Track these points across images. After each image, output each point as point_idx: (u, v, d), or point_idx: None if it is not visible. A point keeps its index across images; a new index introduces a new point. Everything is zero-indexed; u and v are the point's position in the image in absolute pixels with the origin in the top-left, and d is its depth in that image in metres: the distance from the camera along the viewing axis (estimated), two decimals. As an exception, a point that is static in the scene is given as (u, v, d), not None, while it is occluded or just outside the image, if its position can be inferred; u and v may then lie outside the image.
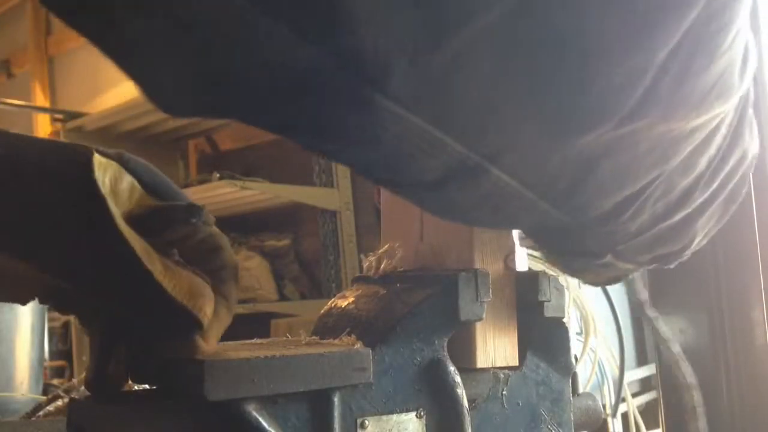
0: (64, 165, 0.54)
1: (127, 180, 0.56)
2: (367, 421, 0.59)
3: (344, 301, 0.69)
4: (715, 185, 0.65)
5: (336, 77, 0.41)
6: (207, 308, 0.55)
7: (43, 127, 4.19)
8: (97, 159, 0.54)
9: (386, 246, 0.72)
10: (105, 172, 0.54)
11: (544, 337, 0.71)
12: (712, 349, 0.98)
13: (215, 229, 0.60)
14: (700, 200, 0.64)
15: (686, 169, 0.60)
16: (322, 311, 0.70)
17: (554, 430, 0.70)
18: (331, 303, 0.71)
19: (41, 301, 0.60)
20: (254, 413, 0.54)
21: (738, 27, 0.54)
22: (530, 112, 0.48)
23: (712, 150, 0.62)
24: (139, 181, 0.57)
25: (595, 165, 0.54)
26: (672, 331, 1.02)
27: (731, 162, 0.65)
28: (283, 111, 0.44)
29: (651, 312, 1.13)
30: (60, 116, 3.87)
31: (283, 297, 3.14)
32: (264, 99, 0.43)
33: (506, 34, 0.43)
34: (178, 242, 0.58)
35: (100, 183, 0.53)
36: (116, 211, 0.54)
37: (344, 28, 0.39)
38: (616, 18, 0.46)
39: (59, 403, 1.24)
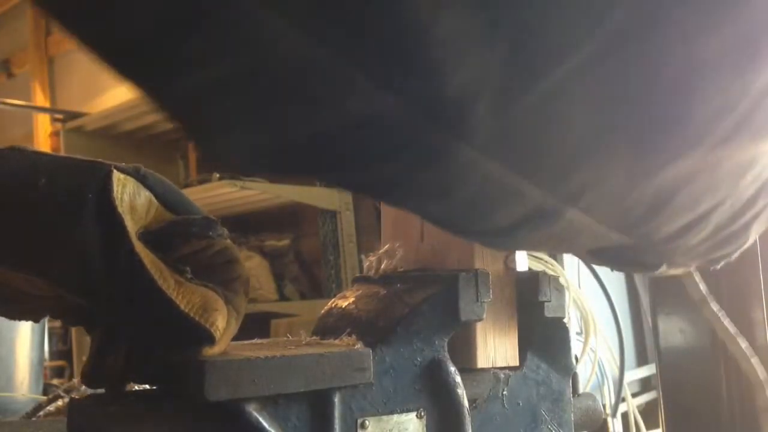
0: (82, 182, 0.54)
1: (145, 195, 0.57)
2: (367, 422, 0.59)
3: (344, 301, 0.69)
4: None
5: (416, 127, 0.38)
6: (219, 322, 0.56)
7: (43, 127, 4.19)
8: (116, 176, 0.54)
9: (386, 246, 0.72)
10: (124, 188, 0.55)
11: (544, 337, 0.71)
12: (712, 349, 0.98)
13: (229, 242, 0.61)
14: (762, 204, 0.63)
15: (755, 181, 0.59)
16: (323, 311, 0.70)
17: (554, 430, 0.70)
18: (331, 303, 0.71)
19: (54, 317, 0.60)
20: (254, 413, 0.54)
21: None
22: (618, 150, 0.46)
23: None
24: (156, 195, 0.58)
25: (675, 193, 0.52)
26: (672, 331, 1.02)
27: None
28: (362, 169, 0.42)
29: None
30: (60, 116, 3.86)
31: (283, 297, 3.14)
32: (342, 156, 0.40)
33: (598, 72, 0.40)
34: (193, 255, 0.59)
35: (118, 200, 0.54)
36: (132, 229, 0.54)
37: (423, 73, 0.36)
38: (718, 44, 0.43)
39: (59, 403, 1.24)
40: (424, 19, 0.33)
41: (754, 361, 0.91)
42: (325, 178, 0.44)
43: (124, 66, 0.34)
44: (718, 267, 0.71)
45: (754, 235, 0.68)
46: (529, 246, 0.56)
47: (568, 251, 0.67)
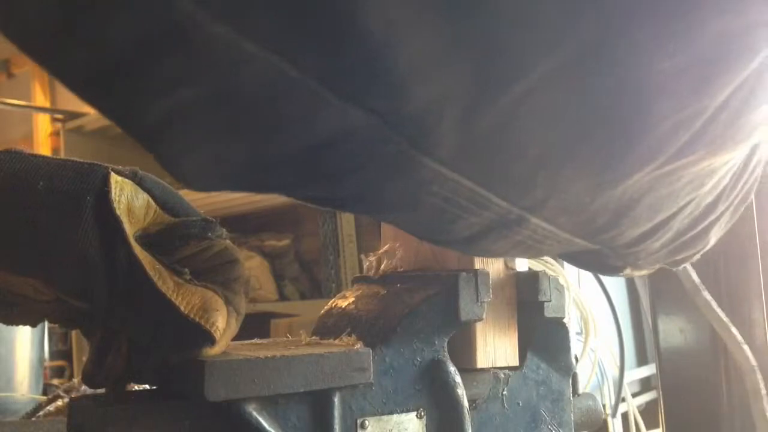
0: (80, 184, 0.54)
1: (143, 197, 0.57)
2: (367, 422, 0.59)
3: (344, 301, 0.69)
4: (734, 193, 0.65)
5: (383, 142, 0.39)
6: (219, 323, 0.56)
7: (43, 127, 4.19)
8: (114, 178, 0.54)
9: (386, 246, 0.72)
10: (121, 191, 0.55)
11: (544, 337, 0.71)
12: (712, 349, 0.98)
13: (229, 243, 0.61)
14: (721, 209, 0.65)
15: (715, 188, 0.61)
16: (323, 311, 0.70)
17: (554, 430, 0.70)
18: (331, 303, 0.71)
19: (51, 321, 0.60)
20: (254, 413, 0.54)
21: None
22: (581, 161, 0.47)
23: (738, 165, 0.62)
24: (154, 198, 0.58)
25: (636, 204, 0.53)
26: (672, 331, 1.02)
27: (750, 168, 0.65)
28: (330, 183, 0.42)
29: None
30: (60, 116, 3.86)
31: (283, 297, 3.14)
32: (312, 172, 0.41)
33: (561, 87, 0.41)
34: (192, 257, 0.59)
35: (115, 203, 0.54)
36: (130, 231, 0.54)
37: (387, 87, 0.36)
38: (683, 65, 0.44)
39: (59, 403, 1.24)
40: (391, 38, 0.34)
41: (745, 347, 0.92)
42: (293, 194, 0.44)
43: (90, 95, 0.33)
44: (680, 268, 0.74)
45: (714, 239, 0.70)
46: (497, 253, 0.57)
47: (535, 257, 0.69)
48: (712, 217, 0.65)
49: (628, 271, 0.66)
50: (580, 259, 0.64)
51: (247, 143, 0.38)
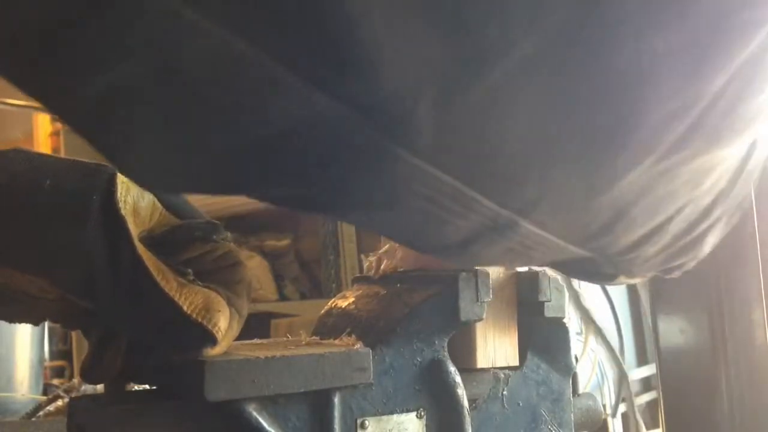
0: (86, 184, 0.54)
1: (148, 198, 0.57)
2: (367, 422, 0.59)
3: (344, 301, 0.69)
4: (731, 197, 0.63)
5: (353, 131, 0.35)
6: (221, 323, 0.56)
7: (43, 127, 4.19)
8: (120, 179, 0.54)
9: (386, 246, 0.72)
10: (127, 191, 0.55)
11: (544, 337, 0.71)
12: (712, 349, 0.98)
13: (232, 246, 0.61)
14: (718, 214, 0.62)
15: (711, 190, 0.58)
16: (323, 311, 0.70)
17: (554, 430, 0.70)
18: (331, 303, 0.71)
19: (53, 321, 0.60)
20: (254, 413, 0.54)
21: None
22: (571, 155, 0.44)
23: (735, 165, 0.60)
24: (159, 199, 0.58)
25: (632, 206, 0.51)
26: (672, 331, 1.02)
27: (747, 170, 0.63)
28: (297, 179, 0.39)
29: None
30: (60, 116, 3.85)
31: (283, 297, 3.14)
32: (274, 167, 0.37)
33: (541, 71, 0.37)
34: (196, 259, 0.59)
35: (121, 203, 0.54)
36: (135, 232, 0.54)
37: (357, 72, 0.32)
38: (675, 48, 0.41)
39: (59, 403, 1.24)
40: (359, 16, 0.30)
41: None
42: (260, 194, 0.40)
43: (10, 72, 0.30)
44: (674, 276, 0.70)
45: (709, 246, 0.67)
46: (487, 261, 0.56)
47: (526, 265, 0.66)
48: (709, 222, 0.62)
49: (621, 278, 0.64)
50: (571, 268, 0.62)
51: (198, 131, 0.34)
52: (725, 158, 0.55)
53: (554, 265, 0.63)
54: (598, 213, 0.50)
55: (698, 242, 0.65)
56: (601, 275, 0.63)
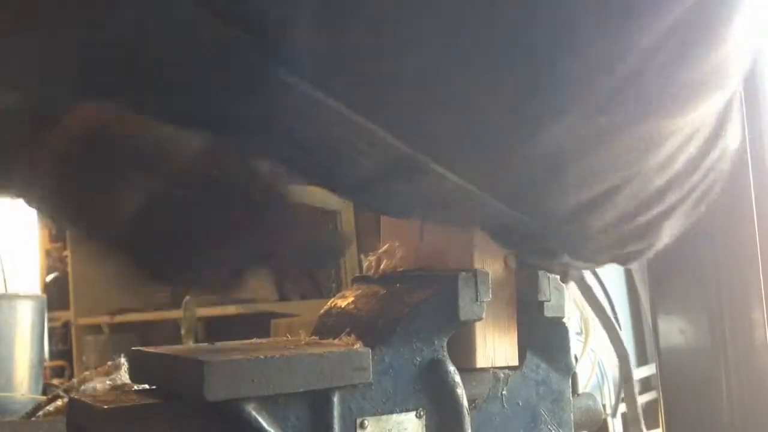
0: None
1: None
2: (366, 421, 0.59)
3: (344, 301, 0.69)
4: (689, 184, 0.60)
5: (232, 47, 0.33)
6: None
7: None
8: None
9: (386, 246, 0.72)
10: None
11: (544, 337, 0.71)
12: (712, 349, 0.98)
13: None
14: (674, 198, 0.59)
15: (663, 168, 0.55)
16: (322, 311, 0.70)
17: (554, 430, 0.70)
18: (331, 303, 0.71)
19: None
20: (254, 413, 0.54)
21: (741, 19, 0.48)
22: (481, 90, 0.40)
23: (691, 149, 0.57)
24: None
25: (568, 165, 0.48)
26: (672, 331, 1.02)
27: (709, 160, 0.60)
28: (182, 93, 0.36)
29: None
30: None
31: (283, 297, 3.14)
32: (153, 75, 0.35)
33: None
34: None
35: None
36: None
37: None
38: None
39: (59, 403, 1.24)
40: None
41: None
42: (137, 106, 0.38)
43: None
44: (630, 265, 0.67)
45: (666, 236, 0.64)
46: (399, 210, 0.51)
47: (453, 224, 0.61)
48: (663, 207, 0.59)
49: (568, 259, 0.60)
50: (511, 239, 0.58)
51: (59, 30, 0.32)
52: (674, 133, 0.52)
53: (494, 235, 0.59)
54: (525, 166, 0.47)
55: (653, 228, 0.61)
56: (545, 253, 0.59)
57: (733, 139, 0.63)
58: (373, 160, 0.42)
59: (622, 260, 0.65)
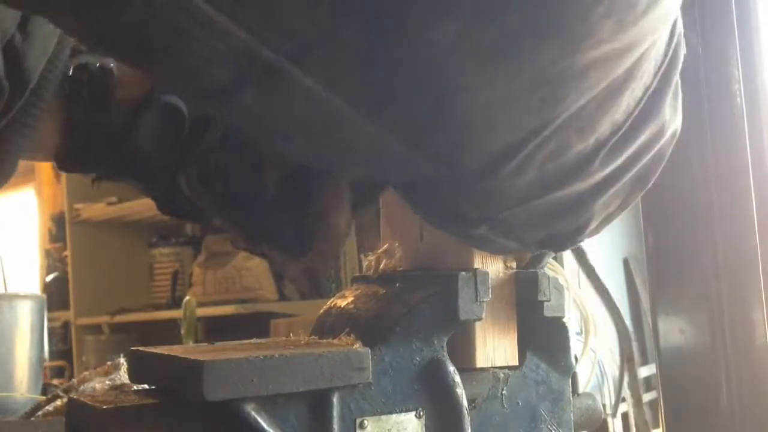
0: None
1: None
2: (366, 421, 0.59)
3: (343, 300, 0.69)
4: (621, 160, 0.55)
5: None
6: None
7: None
8: None
9: (386, 246, 0.72)
10: None
11: (544, 337, 0.70)
12: (712, 349, 0.98)
13: None
14: (602, 174, 0.54)
15: (583, 129, 0.50)
16: (322, 311, 0.70)
17: (554, 430, 0.70)
18: (330, 303, 0.71)
19: None
20: (253, 413, 0.54)
21: None
22: None
23: (618, 113, 0.51)
24: None
25: (455, 93, 0.43)
26: (672, 331, 1.02)
27: (643, 135, 0.55)
28: None
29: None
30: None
31: (283, 297, 3.14)
32: None
33: None
34: None
35: None
36: None
37: None
38: None
39: (58, 403, 1.24)
40: None
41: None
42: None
43: None
44: (562, 250, 0.62)
45: (597, 218, 0.59)
46: (268, 132, 0.45)
47: (367, 173, 0.56)
48: (591, 180, 0.54)
49: (484, 230, 0.55)
50: (415, 196, 0.54)
51: None
52: (585, 71, 0.46)
53: (410, 195, 0.55)
54: (402, 81, 0.41)
55: (580, 206, 0.56)
56: (458, 218, 0.55)
57: (675, 118, 0.58)
58: (229, 57, 0.38)
59: (552, 244, 0.60)
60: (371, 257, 0.73)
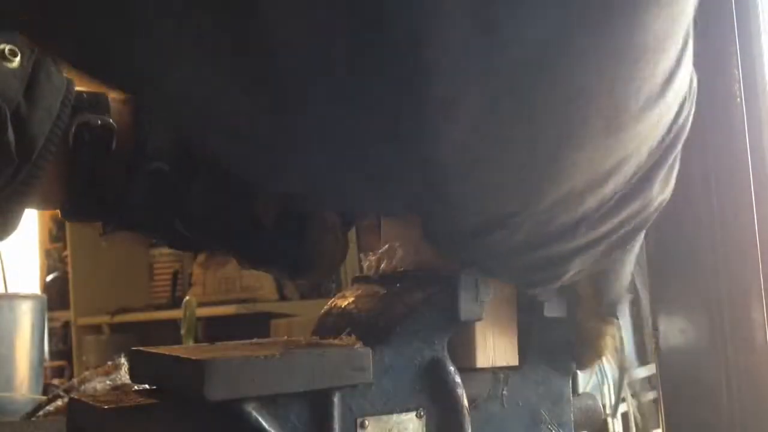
0: None
1: None
2: (366, 421, 0.59)
3: (344, 301, 0.69)
4: (604, 228, 0.59)
5: None
6: None
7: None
8: None
9: (386, 246, 0.72)
10: None
11: (544, 337, 0.71)
12: (712, 349, 0.98)
13: None
14: (585, 240, 0.59)
15: (569, 206, 0.56)
16: (322, 311, 0.70)
17: (554, 430, 0.70)
18: (331, 303, 0.71)
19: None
20: (254, 413, 0.54)
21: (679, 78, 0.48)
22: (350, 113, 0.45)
23: (607, 190, 0.56)
24: None
25: (452, 179, 0.50)
26: (672, 331, 1.02)
27: (627, 210, 0.59)
28: None
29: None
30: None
31: (283, 297, 3.14)
32: None
33: None
34: None
35: None
36: None
37: None
38: None
39: (59, 403, 1.24)
40: None
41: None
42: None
43: None
44: (534, 292, 0.67)
45: (577, 270, 0.63)
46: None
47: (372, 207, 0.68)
48: (573, 244, 0.59)
49: (474, 269, 0.62)
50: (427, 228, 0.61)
51: None
52: (570, 165, 0.52)
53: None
54: (413, 176, 0.52)
55: (560, 263, 0.61)
56: (452, 255, 0.61)
57: (665, 191, 0.62)
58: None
59: (529, 286, 0.66)
60: (372, 257, 0.73)
